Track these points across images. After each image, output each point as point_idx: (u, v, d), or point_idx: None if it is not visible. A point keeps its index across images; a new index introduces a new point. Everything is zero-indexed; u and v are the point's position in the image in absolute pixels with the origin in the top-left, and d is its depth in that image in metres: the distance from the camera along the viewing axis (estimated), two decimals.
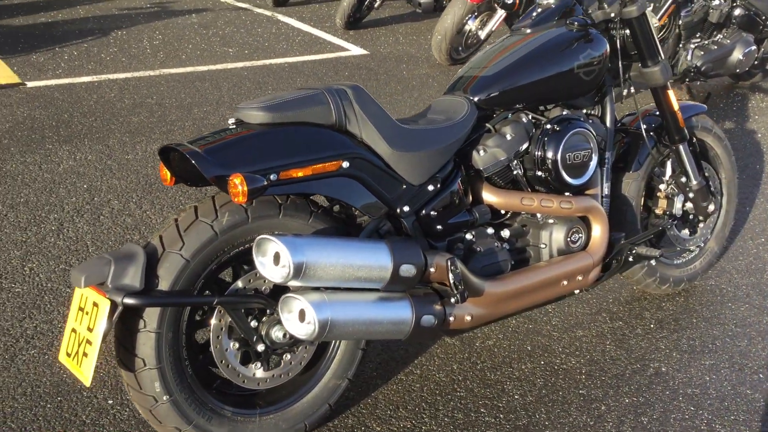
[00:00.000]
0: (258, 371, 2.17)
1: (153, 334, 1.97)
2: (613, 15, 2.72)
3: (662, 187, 3.06)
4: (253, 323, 2.13)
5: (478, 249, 2.46)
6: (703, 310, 3.14)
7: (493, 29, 6.33)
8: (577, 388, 2.63)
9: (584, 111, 2.80)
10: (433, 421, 2.44)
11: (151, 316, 1.97)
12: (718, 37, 5.79)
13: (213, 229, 2.02)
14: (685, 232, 3.18)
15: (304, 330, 2.02)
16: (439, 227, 2.37)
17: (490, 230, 2.51)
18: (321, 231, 2.18)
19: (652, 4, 5.21)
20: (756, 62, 5.85)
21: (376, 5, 7.67)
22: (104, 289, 1.91)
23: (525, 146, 2.53)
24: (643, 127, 2.94)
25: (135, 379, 2.01)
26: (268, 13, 8.29)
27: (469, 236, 2.47)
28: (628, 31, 2.78)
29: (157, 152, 2.07)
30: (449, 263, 2.21)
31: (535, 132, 2.54)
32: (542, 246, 2.62)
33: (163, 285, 1.96)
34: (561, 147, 2.50)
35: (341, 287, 2.10)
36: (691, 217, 3.14)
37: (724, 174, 3.26)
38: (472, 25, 6.33)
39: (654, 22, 2.82)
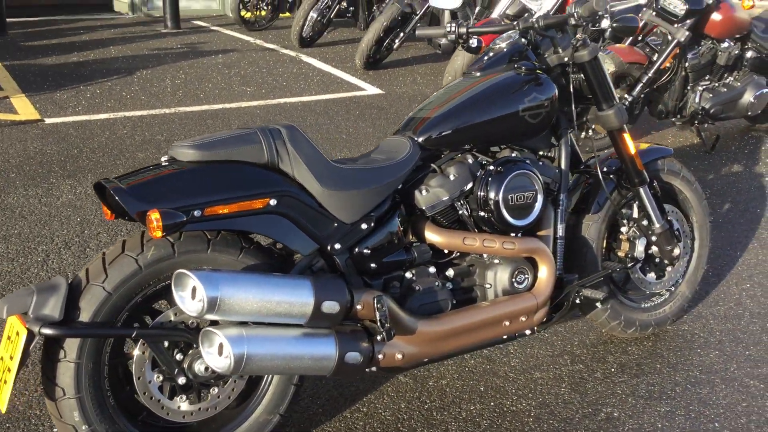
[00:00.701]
0: (183, 404, 2.22)
1: (72, 364, 2.04)
2: (566, 59, 2.75)
3: (624, 229, 3.04)
4: (179, 356, 2.19)
5: (417, 288, 2.48)
6: (670, 355, 3.09)
7: None
8: (522, 431, 2.61)
9: (541, 153, 2.82)
10: None
11: (71, 346, 2.03)
12: (728, 80, 5.74)
13: (137, 263, 2.09)
14: (652, 275, 3.14)
15: (221, 363, 2.06)
16: (373, 265, 2.41)
17: (432, 269, 2.54)
18: (251, 267, 2.23)
19: (607, 50, 5.23)
20: None
21: (395, 46, 7.80)
22: (26, 319, 1.98)
23: (469, 186, 2.56)
24: (603, 169, 2.95)
25: (56, 408, 2.07)
26: (292, 53, 8.49)
27: (408, 275, 2.49)
28: (582, 75, 2.80)
29: (93, 188, 2.16)
30: (375, 301, 2.24)
31: (481, 173, 2.57)
32: (487, 286, 2.63)
33: (84, 316, 2.03)
34: (503, 188, 2.52)
35: (264, 322, 2.14)
36: (657, 260, 3.11)
37: (695, 218, 3.23)
38: None
39: (608, 67, 2.83)
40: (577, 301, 2.71)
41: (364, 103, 6.59)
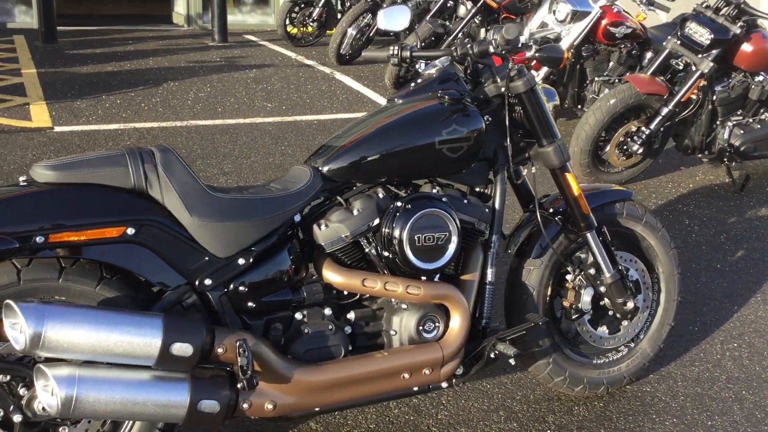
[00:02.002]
0: None
1: None
2: (503, 89, 2.51)
3: (569, 277, 2.76)
4: (23, 391, 2.04)
5: (306, 331, 2.28)
6: (620, 419, 2.78)
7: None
8: None
9: (477, 189, 2.59)
10: None
11: None
12: (764, 116, 5.32)
13: None
14: (603, 330, 2.85)
15: (51, 403, 1.90)
16: (251, 304, 2.21)
17: (328, 311, 2.33)
18: (108, 300, 2.07)
19: (624, 80, 5.00)
20: None
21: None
22: None
23: (376, 223, 2.34)
24: (549, 210, 2.69)
25: None
26: (327, 71, 8.39)
27: (299, 316, 2.29)
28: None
29: None
30: (239, 344, 2.05)
31: (389, 209, 2.35)
32: (392, 333, 2.40)
33: None
34: (408, 227, 2.29)
35: (109, 362, 1.98)
36: (610, 313, 2.81)
37: (661, 267, 2.91)
38: None
39: (550, 105, 2.58)
40: (492, 355, 2.44)
41: None
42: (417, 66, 2.67)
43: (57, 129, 5.75)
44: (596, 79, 5.88)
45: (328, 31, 10.10)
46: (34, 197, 1.99)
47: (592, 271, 2.73)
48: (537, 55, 2.42)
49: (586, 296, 2.73)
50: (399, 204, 2.32)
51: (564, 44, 5.67)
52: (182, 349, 1.99)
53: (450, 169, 2.46)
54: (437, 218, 2.33)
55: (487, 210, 2.52)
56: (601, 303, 2.80)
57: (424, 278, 2.37)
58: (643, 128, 5.00)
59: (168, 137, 5.72)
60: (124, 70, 7.92)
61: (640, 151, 5.02)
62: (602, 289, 2.74)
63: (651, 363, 2.97)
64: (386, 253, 2.32)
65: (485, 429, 2.70)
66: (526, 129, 2.59)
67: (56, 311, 1.89)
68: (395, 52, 2.63)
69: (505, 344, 2.41)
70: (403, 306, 2.40)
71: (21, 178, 2.08)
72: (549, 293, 2.76)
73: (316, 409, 2.28)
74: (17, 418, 2.02)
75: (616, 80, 5.73)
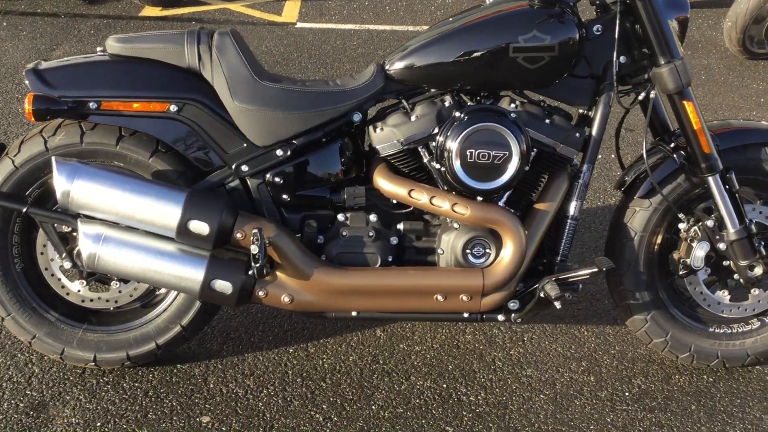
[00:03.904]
0: (83, 289, 2.29)
1: None
2: None
3: (682, 226, 2.35)
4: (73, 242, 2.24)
5: (344, 234, 2.22)
6: (723, 400, 2.37)
7: None
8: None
9: (581, 111, 2.28)
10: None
11: None
12: None
13: (45, 145, 2.17)
14: (722, 294, 2.40)
15: (82, 254, 2.09)
16: (286, 197, 2.20)
17: (373, 217, 2.23)
18: (159, 172, 2.18)
19: None
20: None
21: None
22: None
23: (435, 131, 2.17)
24: (665, 146, 2.30)
25: None
26: None
27: (341, 217, 2.23)
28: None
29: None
30: (255, 232, 2.05)
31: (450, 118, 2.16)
32: (440, 252, 2.25)
33: None
34: (459, 139, 2.09)
35: (136, 227, 2.10)
36: (736, 277, 2.36)
37: None
38: None
39: (674, 23, 2.14)
40: (542, 294, 2.18)
41: None
42: None
43: (299, 25, 6.06)
44: None
45: None
46: (95, 66, 2.14)
47: (710, 223, 2.30)
48: None
49: (699, 251, 2.30)
50: (457, 114, 2.13)
51: None
52: (199, 227, 2.05)
53: (531, 82, 2.18)
54: (496, 134, 2.09)
55: (578, 135, 2.21)
56: (725, 263, 2.36)
57: (480, 199, 2.17)
58: None
59: (393, 40, 5.75)
60: None
61: None
62: (721, 245, 2.30)
63: None
64: (438, 165, 2.15)
65: (555, 375, 2.46)
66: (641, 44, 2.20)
67: (87, 171, 2.04)
68: None
69: (552, 285, 2.14)
70: (455, 226, 2.22)
71: (98, 48, 2.23)
72: (659, 241, 2.38)
73: (353, 313, 2.24)
74: (67, 264, 2.23)
75: None
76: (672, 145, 2.30)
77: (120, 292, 2.32)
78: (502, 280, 2.17)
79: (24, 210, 2.17)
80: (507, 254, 2.17)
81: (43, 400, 2.28)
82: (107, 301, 2.32)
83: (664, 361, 2.53)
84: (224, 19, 6.12)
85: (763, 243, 2.30)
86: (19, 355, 2.44)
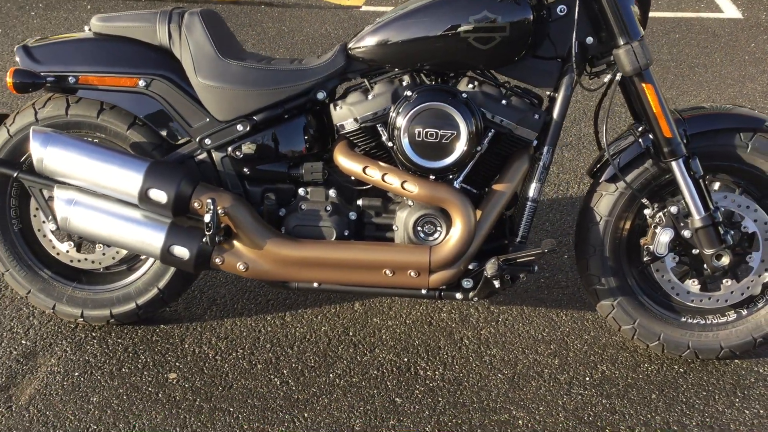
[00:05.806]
0: (71, 250, 2.49)
1: None
2: None
3: (647, 212, 2.30)
4: None
5: (302, 207, 2.31)
6: (689, 391, 2.31)
7: None
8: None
9: (549, 93, 2.28)
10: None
11: None
12: None
13: (35, 116, 2.37)
14: (692, 283, 2.34)
15: (57, 218, 2.27)
16: (246, 170, 2.31)
17: (332, 192, 2.31)
18: (136, 143, 2.34)
19: None
20: None
21: None
22: None
23: (389, 110, 2.22)
24: (635, 131, 2.26)
25: None
26: None
27: (301, 191, 2.33)
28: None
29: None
30: (209, 202, 2.18)
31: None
32: (395, 228, 2.30)
33: None
34: (407, 118, 2.13)
35: (102, 193, 2.27)
36: (705, 266, 2.29)
37: None
38: None
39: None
40: (487, 275, 2.19)
41: (706, 28, 5.62)
42: None
43: (363, 8, 6.16)
44: None
45: None
46: (77, 44, 2.32)
47: (674, 209, 2.24)
48: None
49: (663, 237, 2.24)
50: (408, 93, 2.17)
51: None
52: (157, 195, 2.19)
53: (486, 62, 2.19)
54: (443, 113, 2.12)
55: (536, 116, 2.20)
56: (694, 252, 2.29)
57: (432, 177, 2.21)
58: None
59: None
60: None
61: None
62: (686, 233, 2.24)
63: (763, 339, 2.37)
64: (389, 143, 2.21)
65: (519, 356, 2.46)
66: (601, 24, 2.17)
67: (59, 139, 2.22)
68: None
69: (492, 264, 2.15)
70: (409, 203, 2.27)
71: (86, 27, 2.41)
72: (627, 227, 2.34)
73: (314, 284, 2.33)
74: (52, 227, 2.43)
75: None
76: (640, 129, 2.26)
77: (104, 254, 2.50)
78: (450, 259, 2.20)
79: (15, 175, 2.38)
80: (455, 233, 2.19)
81: (35, 350, 2.49)
82: (93, 262, 2.51)
83: (638, 349, 2.48)
84: (293, 2, 6.30)
85: (731, 232, 2.23)
86: (24, 309, 2.68)
